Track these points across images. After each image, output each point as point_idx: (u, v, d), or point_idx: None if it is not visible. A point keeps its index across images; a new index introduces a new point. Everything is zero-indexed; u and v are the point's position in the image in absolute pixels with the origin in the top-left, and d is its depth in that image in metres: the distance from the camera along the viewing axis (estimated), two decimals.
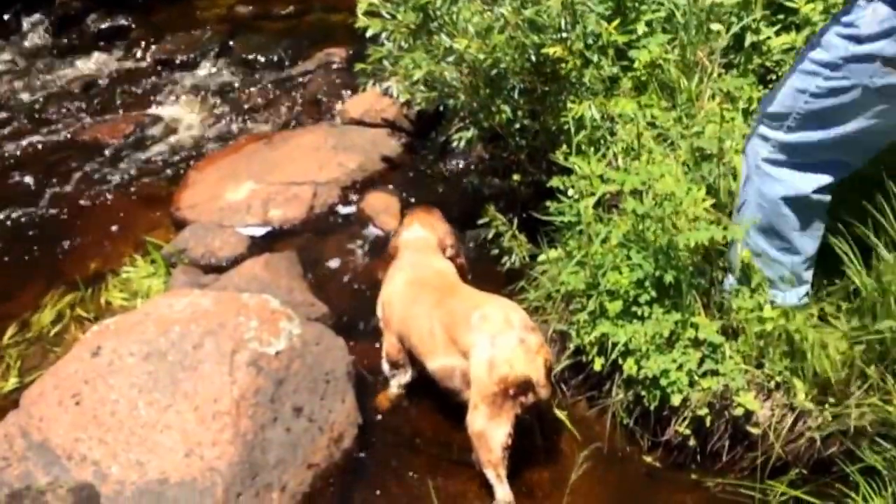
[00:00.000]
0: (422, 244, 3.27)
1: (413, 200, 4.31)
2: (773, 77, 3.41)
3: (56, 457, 2.66)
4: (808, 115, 2.55)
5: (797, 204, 2.68)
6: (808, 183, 2.65)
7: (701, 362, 2.80)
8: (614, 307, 2.85)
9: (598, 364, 2.92)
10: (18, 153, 5.23)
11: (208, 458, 2.65)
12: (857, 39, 2.38)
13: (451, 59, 3.57)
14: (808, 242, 2.77)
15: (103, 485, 2.61)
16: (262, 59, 6.06)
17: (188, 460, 2.64)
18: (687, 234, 2.78)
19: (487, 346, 2.72)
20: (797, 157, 2.63)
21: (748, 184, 2.76)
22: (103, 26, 6.78)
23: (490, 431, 2.73)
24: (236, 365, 2.82)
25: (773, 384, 2.81)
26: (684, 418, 2.83)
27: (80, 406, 2.73)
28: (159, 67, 6.15)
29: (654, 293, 2.85)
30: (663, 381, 2.77)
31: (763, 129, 2.67)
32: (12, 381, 3.49)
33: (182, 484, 2.61)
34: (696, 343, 2.82)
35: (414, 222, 3.33)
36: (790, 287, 2.84)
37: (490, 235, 3.48)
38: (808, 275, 2.85)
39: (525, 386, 2.69)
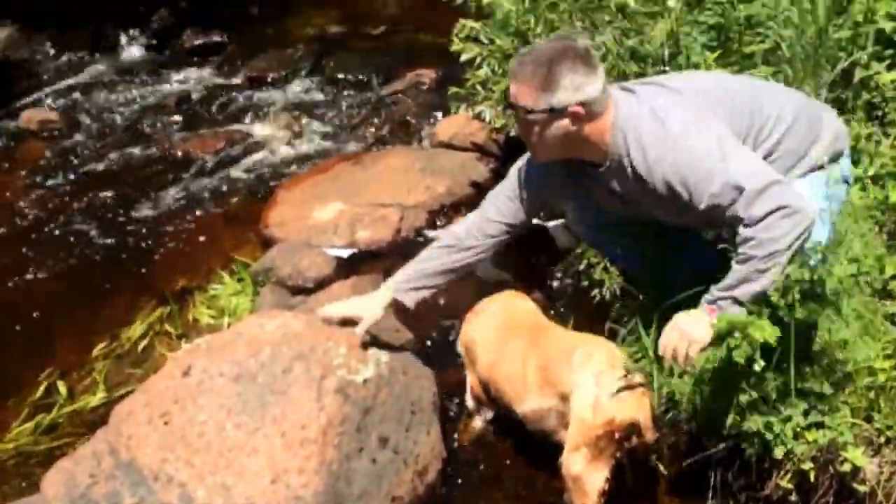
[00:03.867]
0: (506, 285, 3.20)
1: None
2: (880, 114, 3.29)
3: (143, 477, 2.65)
4: None
5: None
6: None
7: (806, 414, 2.67)
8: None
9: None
10: (111, 166, 5.36)
11: (294, 486, 2.61)
12: None
13: None
14: None
15: None
16: (352, 78, 6.10)
17: (274, 487, 2.60)
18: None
19: (592, 387, 2.62)
20: None
21: None
22: (198, 42, 6.93)
23: (588, 475, 2.62)
24: (324, 391, 2.78)
25: (882, 439, 2.65)
26: (787, 472, 2.69)
27: (169, 426, 2.72)
28: (251, 84, 6.25)
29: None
30: (767, 434, 2.64)
31: None
32: (99, 396, 3.55)
33: None
34: (802, 394, 2.69)
35: None
36: None
37: (582, 266, 3.40)
38: None
39: (631, 429, 2.59)
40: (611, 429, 2.58)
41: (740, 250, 2.46)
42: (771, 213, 2.39)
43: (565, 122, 2.52)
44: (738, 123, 2.59)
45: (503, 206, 2.89)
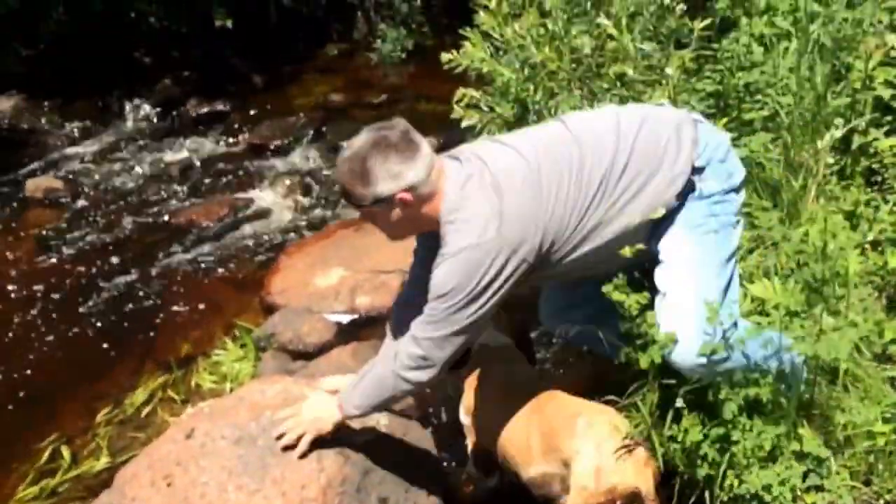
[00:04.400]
0: (507, 350, 3.20)
1: None
2: (880, 179, 3.34)
3: None
4: None
5: None
6: None
7: (805, 477, 2.67)
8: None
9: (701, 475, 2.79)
10: (116, 234, 5.43)
11: None
12: None
13: None
14: None
15: None
16: None
17: None
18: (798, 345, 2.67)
19: (593, 454, 2.62)
20: None
21: None
22: (202, 111, 7.09)
23: None
24: (324, 453, 2.79)
25: (881, 502, 2.65)
26: None
27: (172, 487, 2.72)
28: (254, 152, 6.38)
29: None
30: (766, 497, 2.64)
31: None
32: (103, 461, 3.55)
33: None
34: (800, 457, 2.70)
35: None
36: None
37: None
38: None
39: (632, 498, 2.57)
40: (612, 497, 2.56)
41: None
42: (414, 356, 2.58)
43: (396, 211, 2.54)
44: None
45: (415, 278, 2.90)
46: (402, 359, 2.60)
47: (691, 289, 2.60)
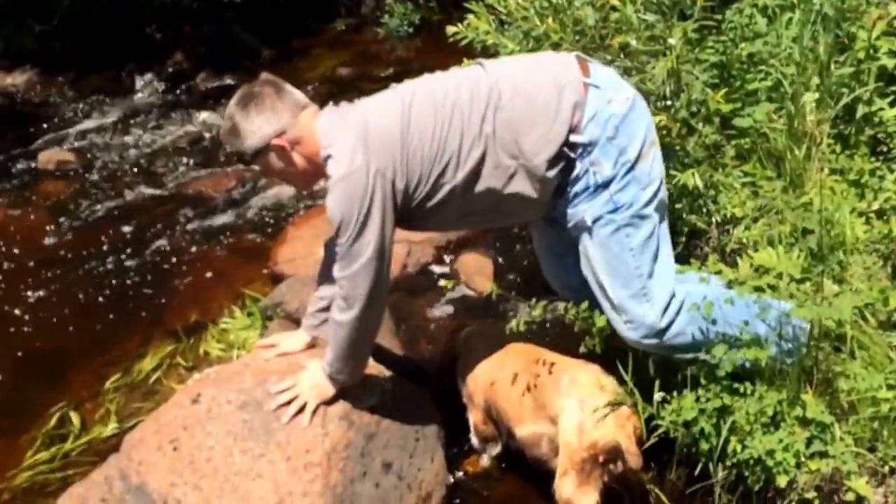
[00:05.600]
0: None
1: (506, 263, 4.30)
2: (885, 149, 3.33)
3: (152, 501, 2.69)
4: None
5: None
6: None
7: (809, 443, 2.67)
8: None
9: (703, 448, 2.82)
10: (126, 205, 5.47)
11: None
12: None
13: None
14: None
15: None
16: None
17: None
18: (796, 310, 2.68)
19: (576, 411, 2.65)
20: None
21: None
22: (211, 85, 7.11)
23: (578, 499, 2.66)
24: (329, 417, 2.83)
25: (886, 469, 2.65)
26: (790, 501, 2.69)
27: (178, 451, 2.77)
28: None
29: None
30: (769, 462, 2.65)
31: None
32: (111, 427, 3.59)
33: None
34: (803, 422, 2.71)
35: None
36: None
37: None
38: None
39: (614, 453, 2.61)
40: (594, 452, 2.60)
41: None
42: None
43: (274, 158, 2.71)
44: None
45: None
46: (334, 305, 2.72)
47: (608, 290, 2.76)
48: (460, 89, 2.67)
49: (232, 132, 2.70)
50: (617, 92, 2.71)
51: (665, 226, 2.83)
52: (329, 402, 2.84)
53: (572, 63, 2.74)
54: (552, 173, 2.67)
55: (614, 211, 2.69)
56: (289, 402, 2.81)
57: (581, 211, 2.72)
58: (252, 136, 2.67)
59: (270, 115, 2.65)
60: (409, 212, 2.70)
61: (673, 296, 2.74)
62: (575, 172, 2.68)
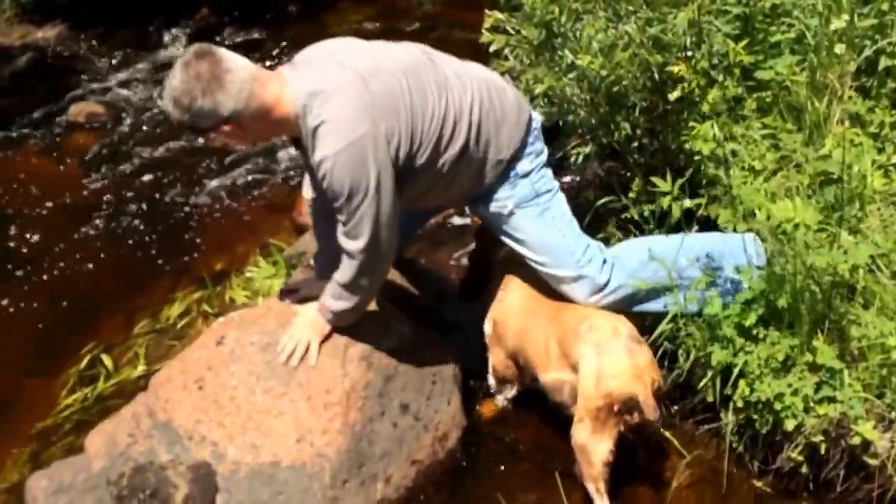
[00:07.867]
0: None
1: None
2: None
3: (178, 436, 2.81)
4: None
5: None
6: None
7: (818, 388, 2.72)
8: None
9: (709, 396, 2.88)
10: (155, 157, 5.52)
11: (318, 444, 2.75)
12: None
13: (572, 75, 3.60)
14: None
15: (220, 464, 2.74)
16: None
17: (299, 446, 2.74)
18: (811, 257, 2.71)
19: (594, 357, 2.70)
20: None
21: None
22: (238, 40, 7.10)
23: (592, 446, 2.72)
24: (348, 359, 2.91)
25: (894, 415, 2.69)
26: (798, 445, 2.75)
27: (203, 390, 2.86)
28: None
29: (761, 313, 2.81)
30: (777, 406, 2.70)
31: None
32: (140, 369, 3.72)
33: (293, 468, 2.72)
34: (813, 368, 2.75)
35: None
36: None
37: None
38: None
39: (630, 404, 2.65)
40: (610, 401, 2.65)
41: None
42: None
43: (226, 129, 2.58)
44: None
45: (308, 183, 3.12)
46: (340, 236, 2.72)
47: (549, 258, 2.97)
48: (450, 84, 2.85)
49: (178, 106, 2.51)
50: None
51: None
52: (349, 344, 2.92)
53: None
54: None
55: (538, 195, 2.95)
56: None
57: (504, 197, 2.94)
58: (206, 119, 2.53)
59: (221, 97, 2.49)
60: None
61: (604, 258, 2.98)
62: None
